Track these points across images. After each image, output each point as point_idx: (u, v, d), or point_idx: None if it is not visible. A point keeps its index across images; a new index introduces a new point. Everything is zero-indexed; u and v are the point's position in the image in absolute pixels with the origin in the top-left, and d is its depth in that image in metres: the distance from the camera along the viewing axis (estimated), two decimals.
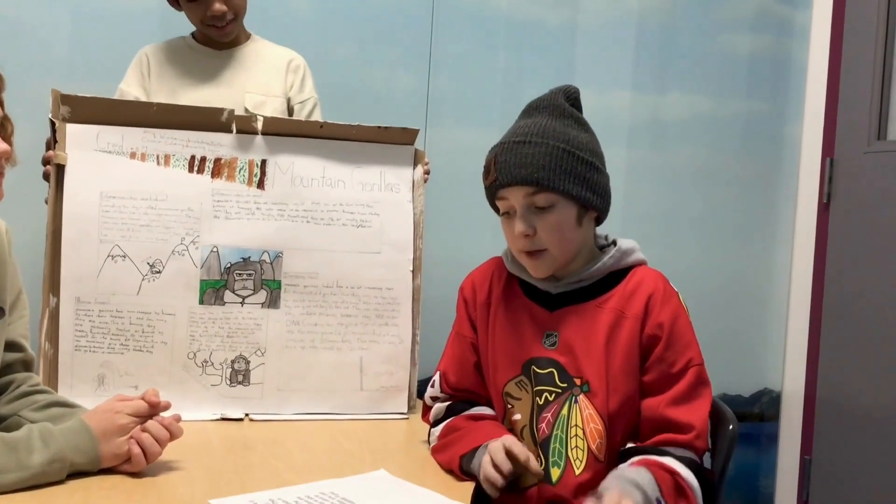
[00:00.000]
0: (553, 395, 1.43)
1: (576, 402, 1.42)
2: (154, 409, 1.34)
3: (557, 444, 1.42)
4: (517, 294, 1.50)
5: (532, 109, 1.47)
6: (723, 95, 2.78)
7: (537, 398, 1.44)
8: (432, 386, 1.58)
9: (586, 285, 1.46)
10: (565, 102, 1.45)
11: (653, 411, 1.39)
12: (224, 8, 2.02)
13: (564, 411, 1.42)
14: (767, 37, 2.80)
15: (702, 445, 1.37)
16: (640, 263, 1.48)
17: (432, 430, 1.56)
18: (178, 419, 1.35)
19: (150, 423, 1.33)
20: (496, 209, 1.49)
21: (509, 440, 1.32)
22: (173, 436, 1.34)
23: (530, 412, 1.45)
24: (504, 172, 1.39)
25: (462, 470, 1.40)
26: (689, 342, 1.41)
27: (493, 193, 1.45)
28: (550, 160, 1.37)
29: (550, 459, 1.41)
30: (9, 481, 1.19)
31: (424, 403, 1.61)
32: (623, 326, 1.41)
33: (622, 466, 1.35)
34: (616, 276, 1.46)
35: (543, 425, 1.43)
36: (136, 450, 1.30)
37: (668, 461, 1.33)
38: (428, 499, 1.29)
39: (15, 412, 1.40)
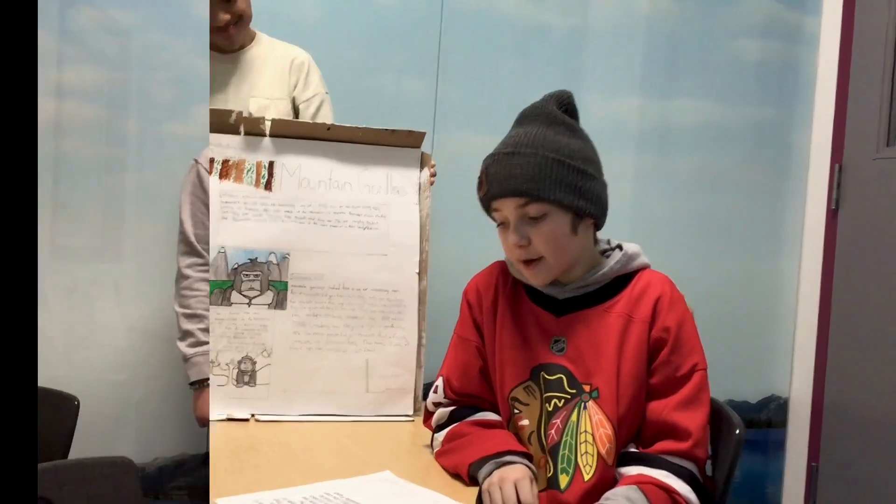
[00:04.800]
0: (562, 402, 1.42)
1: (585, 407, 1.41)
2: None
3: (567, 451, 1.41)
4: (523, 299, 1.49)
5: (524, 118, 1.45)
6: (731, 102, 2.77)
7: (546, 404, 1.43)
8: (435, 391, 1.57)
9: (593, 290, 1.45)
10: (557, 109, 1.43)
11: (657, 415, 1.38)
12: (228, 17, 2.04)
13: (574, 417, 1.41)
14: (776, 43, 2.80)
15: (701, 455, 1.36)
16: (645, 267, 1.48)
17: (435, 434, 1.55)
18: None
19: None
20: (494, 219, 1.47)
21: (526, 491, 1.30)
22: None
23: (538, 418, 1.44)
24: (495, 184, 1.39)
25: (469, 476, 1.39)
26: (695, 346, 1.41)
27: (486, 205, 1.45)
28: (540, 170, 1.36)
29: (559, 466, 1.40)
30: None
31: (426, 409, 1.60)
32: (632, 331, 1.40)
33: (617, 489, 1.33)
34: (622, 280, 1.45)
35: (553, 432, 1.42)
36: None
37: (666, 478, 1.33)
38: (433, 500, 1.29)
39: None
